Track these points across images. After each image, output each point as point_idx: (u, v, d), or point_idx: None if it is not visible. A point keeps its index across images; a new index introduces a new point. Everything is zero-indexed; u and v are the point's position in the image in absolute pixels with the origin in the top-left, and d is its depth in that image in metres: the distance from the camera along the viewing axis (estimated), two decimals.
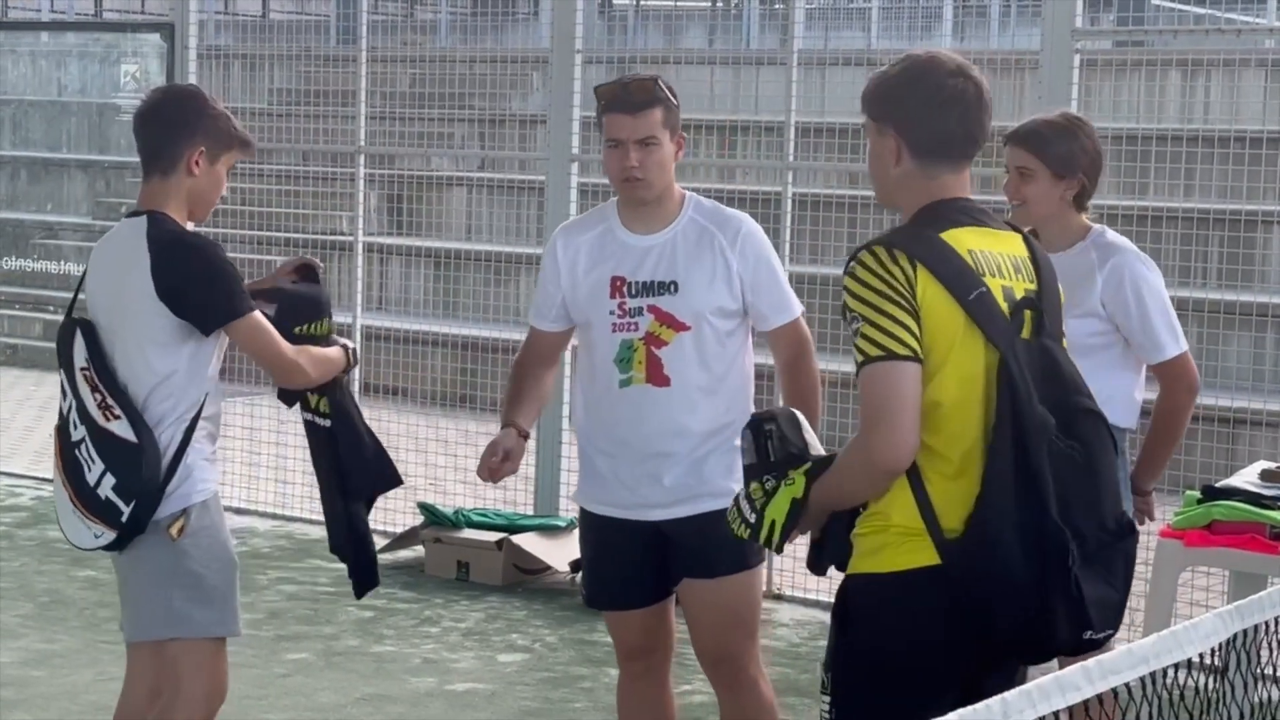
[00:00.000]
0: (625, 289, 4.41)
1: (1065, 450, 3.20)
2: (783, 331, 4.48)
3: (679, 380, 4.39)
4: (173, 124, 4.33)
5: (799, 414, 3.48)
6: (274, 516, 8.90)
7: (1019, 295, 3.30)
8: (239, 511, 8.96)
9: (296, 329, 4.46)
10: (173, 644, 4.35)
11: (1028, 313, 3.30)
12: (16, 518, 8.80)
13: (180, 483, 4.26)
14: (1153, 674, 2.92)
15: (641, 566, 4.53)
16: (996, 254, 3.32)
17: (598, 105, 4.42)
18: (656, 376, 4.39)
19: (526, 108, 15.53)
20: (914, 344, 3.17)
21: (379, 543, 7.96)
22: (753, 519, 3.39)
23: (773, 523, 3.36)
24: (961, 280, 3.22)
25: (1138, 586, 6.09)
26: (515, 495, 7.97)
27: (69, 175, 15.26)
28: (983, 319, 3.22)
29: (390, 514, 8.27)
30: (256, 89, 15.30)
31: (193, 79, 8.93)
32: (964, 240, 3.29)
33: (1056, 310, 3.38)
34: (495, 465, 4.45)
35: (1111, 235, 4.67)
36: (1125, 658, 2.87)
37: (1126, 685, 2.86)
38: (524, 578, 7.62)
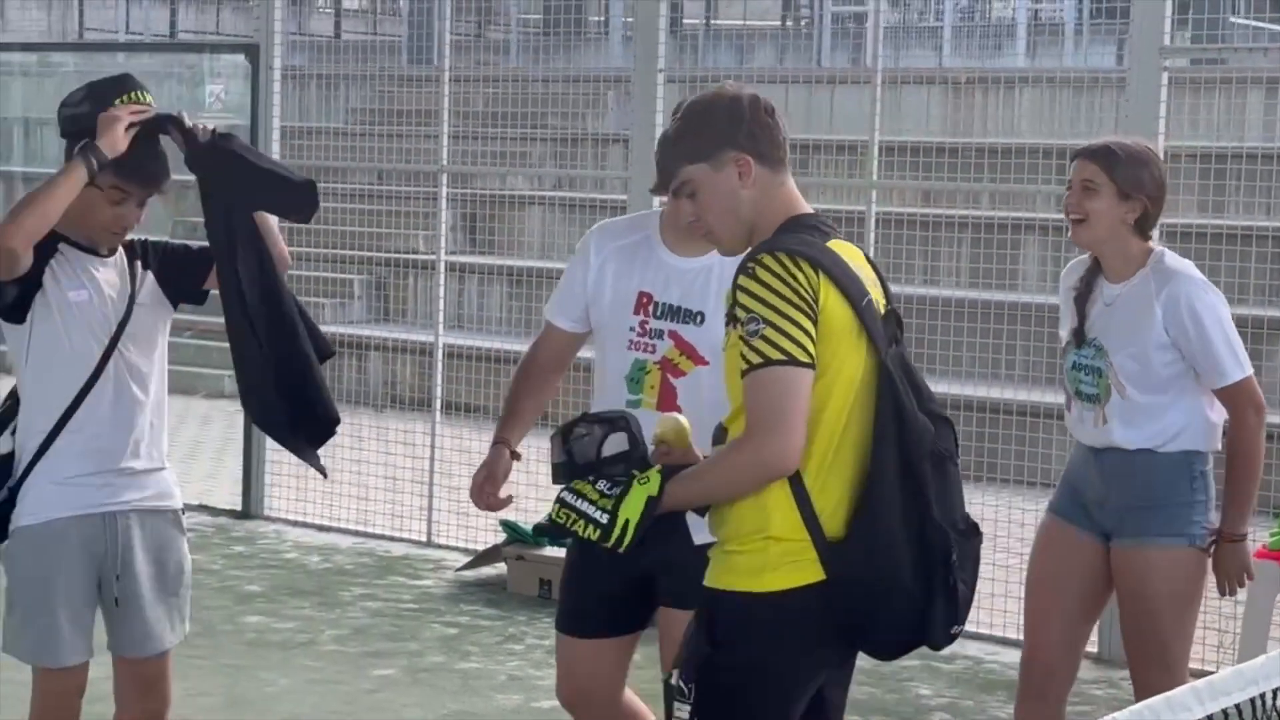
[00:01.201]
0: (651, 308, 4.22)
1: (941, 453, 3.34)
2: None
3: (691, 414, 3.89)
4: None
5: (683, 420, 3.50)
6: (355, 534, 8.96)
7: (883, 306, 3.44)
8: (320, 528, 9.04)
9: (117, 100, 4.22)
10: None
11: (893, 322, 3.45)
12: None
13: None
14: (1261, 695, 2.92)
15: (625, 597, 4.30)
16: (858, 265, 3.44)
17: None
18: (668, 405, 4.12)
19: (602, 127, 15.60)
20: (813, 350, 3.26)
21: (459, 560, 8.08)
22: (604, 519, 3.33)
23: (626, 521, 3.34)
24: (855, 288, 3.34)
25: (1228, 607, 6.11)
26: None
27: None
28: (871, 327, 3.34)
29: (472, 531, 8.33)
30: (332, 108, 15.47)
31: (276, 99, 9.02)
32: (841, 252, 3.42)
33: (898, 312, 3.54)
34: (478, 489, 4.33)
35: (1170, 259, 4.62)
36: (1235, 679, 2.87)
37: (1237, 707, 2.87)
38: None
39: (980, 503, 8.22)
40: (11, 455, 4.29)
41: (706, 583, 3.38)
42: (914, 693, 6.68)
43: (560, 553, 7.69)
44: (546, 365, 4.47)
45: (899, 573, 3.28)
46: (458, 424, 9.24)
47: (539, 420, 4.52)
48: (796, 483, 3.29)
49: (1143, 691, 4.58)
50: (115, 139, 4.12)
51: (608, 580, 4.26)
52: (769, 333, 3.24)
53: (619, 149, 15.09)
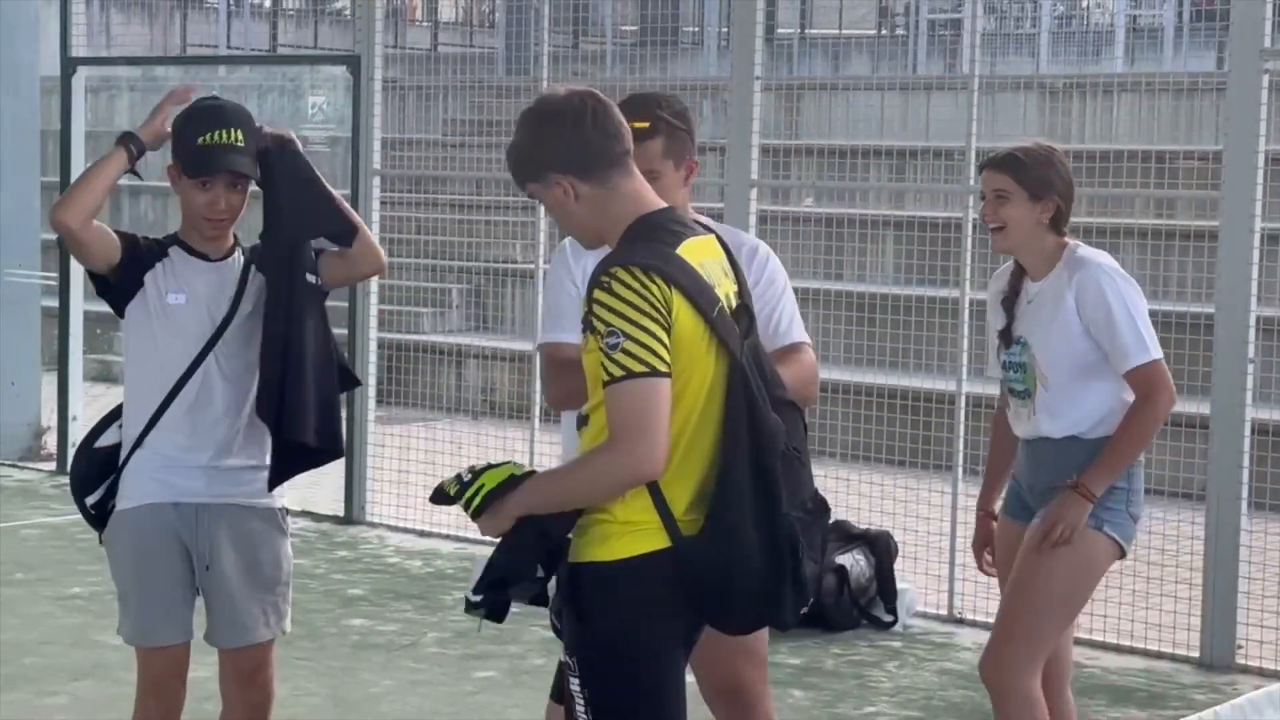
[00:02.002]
0: None
1: (790, 451, 3.50)
2: (782, 355, 4.08)
3: None
4: None
5: (523, 465, 3.56)
6: (455, 539, 9.05)
7: (734, 301, 3.56)
8: (421, 534, 9.14)
9: (199, 140, 4.35)
10: None
11: (745, 318, 3.57)
12: None
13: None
14: None
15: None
16: (711, 262, 3.54)
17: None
18: None
19: (698, 135, 15.64)
20: (669, 359, 3.38)
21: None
22: (467, 478, 3.51)
23: (481, 486, 3.49)
24: (705, 297, 3.45)
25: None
26: None
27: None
28: (724, 333, 3.46)
29: None
30: (431, 119, 15.59)
31: (377, 110, 9.15)
32: (692, 254, 3.50)
33: (752, 303, 3.63)
34: None
35: (1083, 251, 4.70)
36: None
37: None
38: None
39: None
40: (117, 447, 4.45)
41: (569, 559, 3.50)
42: None
43: None
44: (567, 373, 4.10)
45: (749, 566, 3.45)
46: (553, 430, 9.30)
47: None
48: (653, 487, 3.44)
49: (993, 663, 4.65)
50: (154, 127, 4.38)
51: None
52: (629, 345, 3.36)
53: (714, 157, 15.16)
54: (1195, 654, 7.13)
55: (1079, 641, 7.27)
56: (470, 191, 14.59)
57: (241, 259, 4.49)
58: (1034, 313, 4.74)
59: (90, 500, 4.47)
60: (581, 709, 3.50)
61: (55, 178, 10.52)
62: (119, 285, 4.40)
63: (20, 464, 10.71)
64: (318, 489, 10.14)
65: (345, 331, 9.56)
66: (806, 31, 21.33)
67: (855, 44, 21.46)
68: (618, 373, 3.37)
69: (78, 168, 9.92)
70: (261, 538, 4.51)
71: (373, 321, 9.37)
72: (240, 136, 4.36)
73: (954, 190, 8.30)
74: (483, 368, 13.15)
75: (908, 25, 21.14)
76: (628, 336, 3.36)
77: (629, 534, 3.44)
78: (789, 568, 3.47)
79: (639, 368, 3.36)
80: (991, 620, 7.27)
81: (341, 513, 9.43)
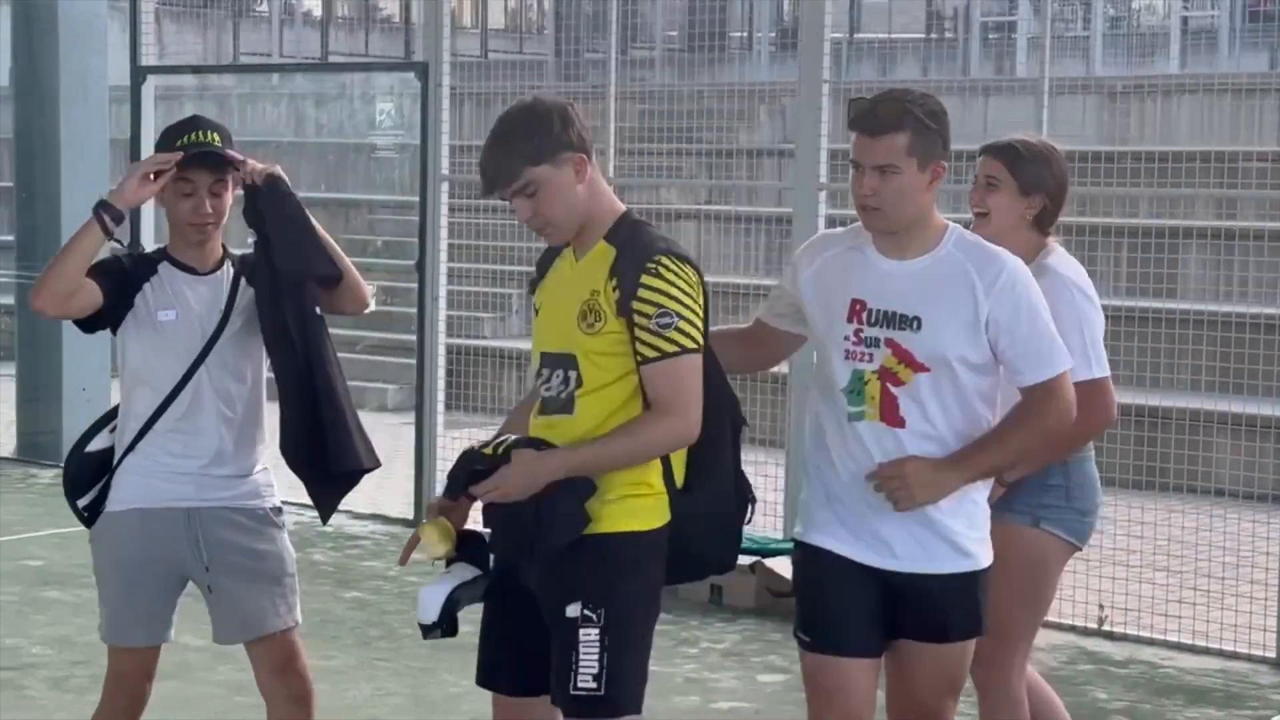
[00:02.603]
0: (865, 315, 4.04)
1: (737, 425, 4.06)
2: (1037, 390, 4.03)
3: (915, 424, 4.02)
4: None
5: (445, 522, 4.05)
6: None
7: None
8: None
9: (177, 142, 4.40)
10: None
11: None
12: None
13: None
14: None
15: (861, 611, 4.11)
16: None
17: (848, 120, 4.12)
18: (890, 416, 4.02)
19: (754, 140, 15.67)
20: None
21: None
22: (494, 440, 3.91)
23: (506, 438, 3.91)
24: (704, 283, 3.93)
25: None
26: (766, 520, 8.08)
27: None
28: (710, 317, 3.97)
29: None
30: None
31: (445, 115, 9.22)
32: None
33: None
34: None
35: (1054, 259, 4.57)
36: None
37: None
38: (776, 601, 7.72)
39: (1140, 507, 8.25)
40: (110, 451, 4.54)
41: (601, 529, 3.86)
42: (1090, 696, 6.69)
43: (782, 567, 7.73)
44: (740, 333, 4.43)
45: (729, 514, 4.03)
46: None
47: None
48: (665, 458, 3.93)
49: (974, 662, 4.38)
50: (126, 191, 4.35)
51: (838, 601, 4.15)
52: (682, 325, 3.81)
53: (772, 162, 15.18)
54: (1271, 654, 7.13)
55: (1153, 642, 7.31)
56: None
57: (231, 270, 4.54)
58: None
59: (82, 502, 4.56)
60: (594, 657, 3.85)
61: None
62: (107, 318, 4.46)
63: None
64: (382, 492, 10.23)
65: (414, 338, 9.65)
66: (855, 35, 21.32)
67: (903, 46, 21.48)
68: (671, 349, 3.80)
69: None
70: (258, 534, 4.58)
71: (441, 328, 9.43)
72: (217, 139, 4.42)
73: (1088, 192, 8.25)
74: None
75: (957, 28, 21.14)
76: (681, 316, 3.80)
77: (656, 507, 3.90)
78: (744, 519, 4.07)
79: (691, 344, 3.82)
80: (1064, 620, 7.36)
81: (410, 515, 9.50)
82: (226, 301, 4.49)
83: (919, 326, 4.00)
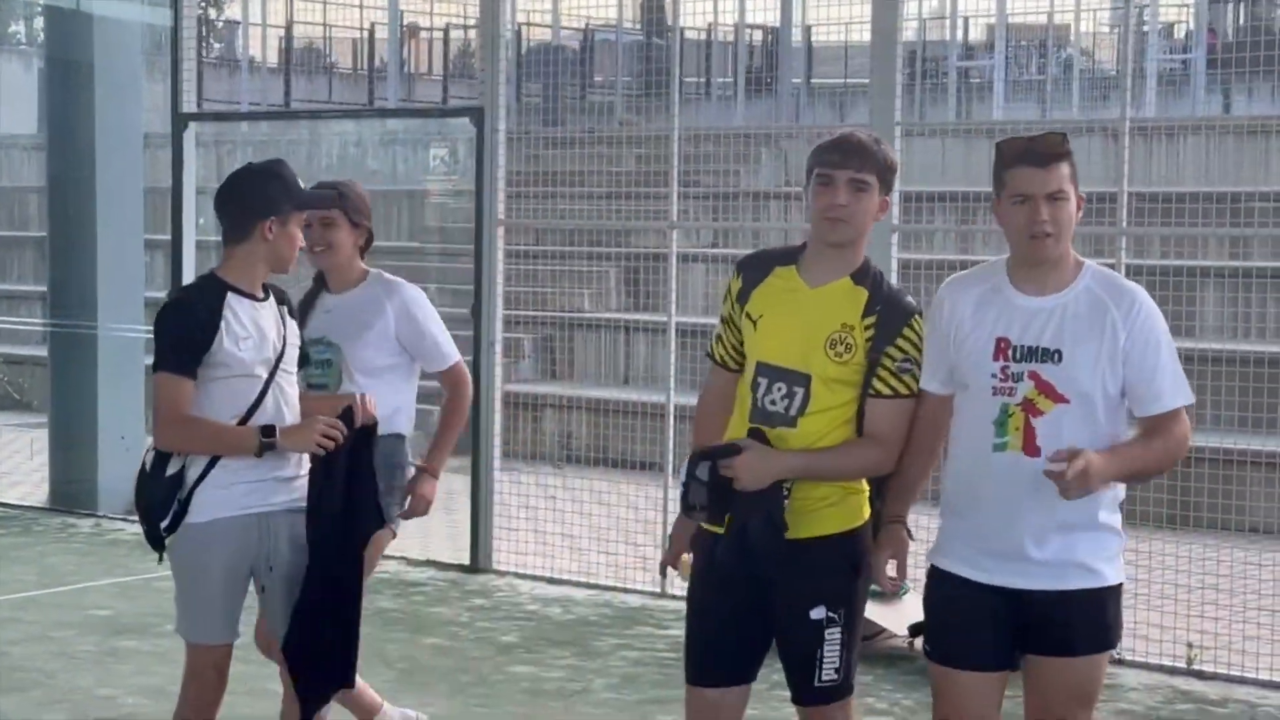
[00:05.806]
0: (1010, 352, 4.24)
1: None
2: (1166, 418, 4.24)
3: (1048, 453, 4.15)
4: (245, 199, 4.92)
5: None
6: (587, 586, 9.14)
7: None
8: (551, 581, 9.21)
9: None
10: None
11: None
12: None
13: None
14: None
15: (992, 630, 4.32)
16: None
17: (998, 160, 4.27)
18: (1029, 446, 4.20)
19: (757, 183, 15.78)
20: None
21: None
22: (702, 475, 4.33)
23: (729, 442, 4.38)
24: None
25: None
26: None
27: None
28: None
29: None
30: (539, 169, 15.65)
31: (501, 159, 9.26)
32: None
33: None
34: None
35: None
36: None
37: None
38: (861, 642, 7.73)
39: (1175, 543, 8.36)
40: (180, 474, 4.84)
41: (834, 530, 4.38)
42: None
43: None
44: (929, 429, 4.48)
45: None
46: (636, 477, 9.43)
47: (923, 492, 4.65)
48: None
49: None
50: (300, 443, 4.81)
51: (968, 622, 4.35)
52: (916, 373, 4.36)
53: (776, 204, 15.29)
54: None
55: (1243, 681, 7.40)
56: (530, 242, 14.60)
57: (272, 298, 4.98)
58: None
59: (164, 523, 4.86)
60: (838, 654, 4.44)
61: (165, 235, 10.56)
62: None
63: (132, 518, 10.74)
64: (431, 538, 10.23)
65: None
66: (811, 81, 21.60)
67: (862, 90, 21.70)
68: (904, 391, 4.37)
69: (189, 222, 10.01)
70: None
71: (498, 373, 9.44)
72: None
73: (1105, 232, 8.37)
74: (559, 416, 13.24)
75: (929, 71, 21.34)
76: (917, 364, 4.36)
77: (864, 502, 4.45)
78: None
79: (916, 391, 4.38)
80: (1153, 661, 7.44)
81: (467, 561, 9.49)
82: (282, 323, 4.96)
83: (1060, 359, 4.21)
